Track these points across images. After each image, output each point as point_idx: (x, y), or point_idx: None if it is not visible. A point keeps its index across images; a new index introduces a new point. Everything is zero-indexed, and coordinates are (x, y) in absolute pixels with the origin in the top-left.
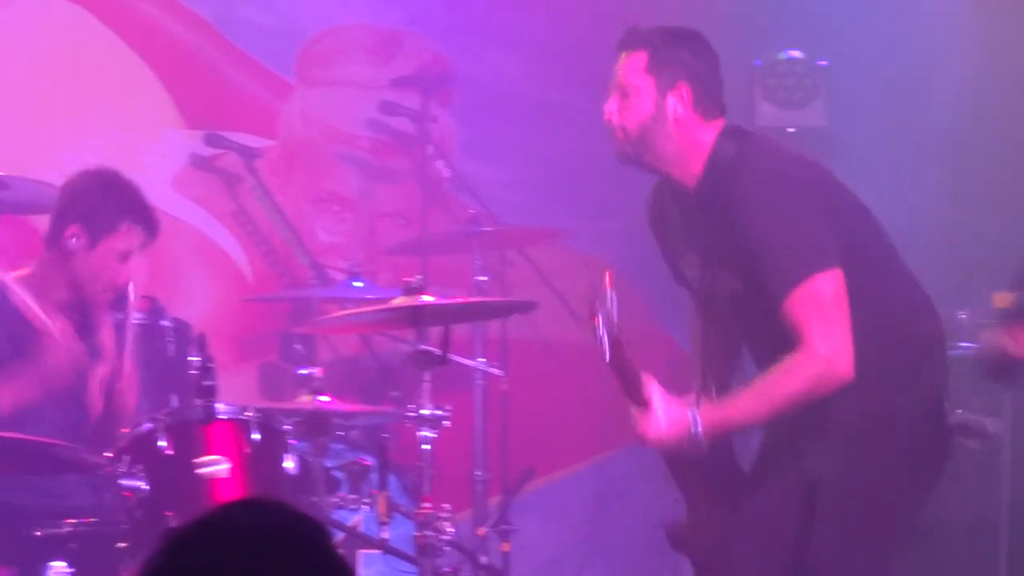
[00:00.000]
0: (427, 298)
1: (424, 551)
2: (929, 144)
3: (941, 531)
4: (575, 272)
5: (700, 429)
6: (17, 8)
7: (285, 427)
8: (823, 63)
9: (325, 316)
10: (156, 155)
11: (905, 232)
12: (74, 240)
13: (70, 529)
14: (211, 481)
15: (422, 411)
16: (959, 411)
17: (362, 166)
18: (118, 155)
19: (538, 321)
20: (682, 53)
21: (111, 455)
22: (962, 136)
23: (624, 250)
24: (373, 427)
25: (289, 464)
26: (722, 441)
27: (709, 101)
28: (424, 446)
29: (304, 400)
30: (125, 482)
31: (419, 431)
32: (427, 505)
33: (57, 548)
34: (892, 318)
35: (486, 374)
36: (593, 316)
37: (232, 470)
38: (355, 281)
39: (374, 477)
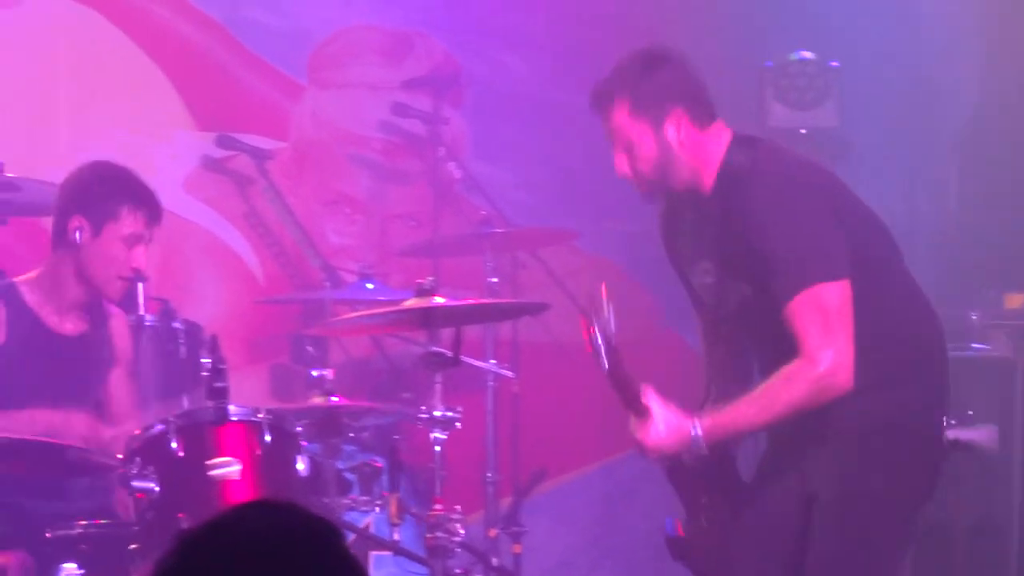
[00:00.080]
0: (439, 300)
1: (435, 553)
2: (940, 145)
3: (951, 532)
4: (587, 274)
5: (700, 436)
6: (27, 9)
7: (297, 429)
8: (835, 64)
9: (336, 318)
10: (167, 157)
11: (915, 232)
12: (78, 232)
13: (81, 531)
14: (222, 483)
15: (433, 413)
16: (953, 423)
17: (373, 168)
18: (129, 157)
19: (549, 323)
20: (656, 82)
21: (122, 457)
22: (972, 136)
23: (636, 252)
24: (384, 429)
25: (301, 466)
26: (723, 450)
27: (701, 110)
28: (435, 448)
29: (316, 402)
30: (137, 484)
31: (430, 433)
32: (438, 507)
33: (68, 549)
34: (893, 321)
35: (497, 376)
36: (588, 327)
37: (243, 472)
38: (366, 283)
39: (385, 479)
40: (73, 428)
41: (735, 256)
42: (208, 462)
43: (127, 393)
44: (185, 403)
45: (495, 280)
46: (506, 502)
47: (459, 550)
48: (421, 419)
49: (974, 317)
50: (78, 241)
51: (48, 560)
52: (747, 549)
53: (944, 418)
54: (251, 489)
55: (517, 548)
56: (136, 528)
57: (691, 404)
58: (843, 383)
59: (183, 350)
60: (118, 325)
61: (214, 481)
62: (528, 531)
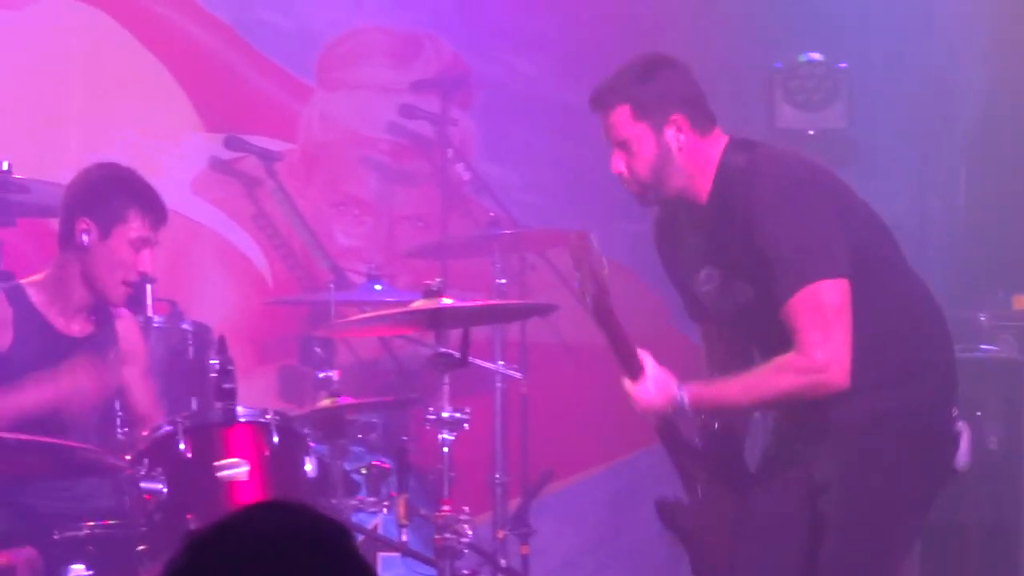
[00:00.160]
0: (447, 301)
1: (443, 554)
2: (949, 146)
3: (960, 534)
4: None
5: (685, 401)
6: (36, 11)
7: (305, 430)
8: (843, 65)
9: (345, 319)
10: (176, 158)
11: (924, 233)
12: (85, 235)
13: (89, 531)
14: (230, 484)
15: (442, 414)
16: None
17: (382, 169)
18: (137, 158)
19: (558, 324)
20: (659, 86)
21: (131, 458)
22: (982, 138)
23: (643, 252)
24: (392, 430)
25: (308, 467)
26: (730, 432)
27: (701, 117)
28: (443, 449)
29: (324, 403)
30: (145, 485)
31: (438, 434)
32: (446, 508)
33: (76, 550)
34: (898, 320)
35: (505, 377)
36: (576, 257)
37: (252, 473)
38: (375, 284)
39: (393, 480)
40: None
41: (737, 257)
42: (216, 463)
43: (146, 391)
44: (194, 404)
45: (503, 281)
46: (514, 503)
47: (467, 551)
48: (429, 420)
49: (982, 318)
50: (85, 243)
51: (56, 561)
52: (749, 539)
53: (951, 416)
54: (259, 490)
55: (525, 549)
56: (144, 529)
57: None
58: (838, 381)
59: (191, 351)
60: (126, 325)
61: (222, 482)
62: (536, 532)
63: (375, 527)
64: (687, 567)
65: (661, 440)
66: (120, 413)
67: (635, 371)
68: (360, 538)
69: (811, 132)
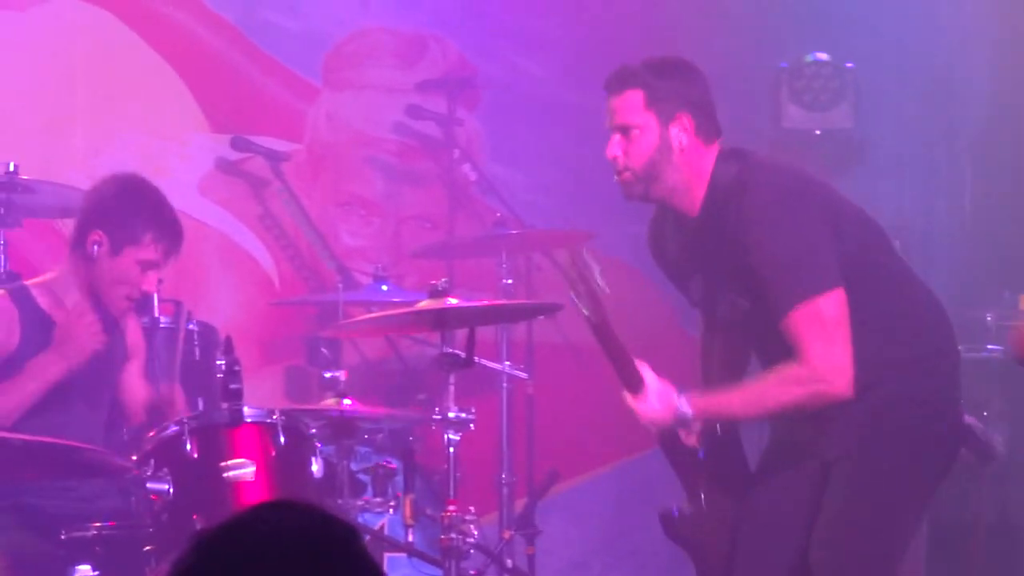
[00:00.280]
0: (453, 301)
1: (449, 554)
2: (955, 145)
3: (966, 532)
4: (602, 276)
5: (688, 413)
6: (42, 12)
7: (311, 430)
8: (850, 65)
9: (351, 319)
10: (182, 159)
11: (930, 233)
12: (96, 247)
13: (95, 532)
14: (237, 484)
15: (448, 414)
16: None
17: (388, 169)
18: (143, 159)
19: (564, 324)
20: (676, 83)
21: (137, 458)
22: (988, 137)
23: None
24: (399, 430)
25: (315, 467)
26: (728, 435)
27: (708, 126)
28: (449, 449)
29: (330, 403)
30: (151, 485)
31: (444, 434)
32: (452, 508)
33: (83, 551)
34: (901, 321)
35: (511, 377)
36: (573, 290)
37: (258, 473)
38: (381, 284)
39: (399, 480)
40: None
41: (729, 268)
42: (223, 463)
43: (139, 389)
44: (200, 404)
45: (509, 281)
46: (520, 503)
47: (473, 551)
48: (435, 420)
49: (988, 318)
50: (94, 254)
51: (63, 561)
52: (753, 538)
53: (957, 408)
54: (265, 491)
55: (531, 549)
56: (150, 530)
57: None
58: (841, 390)
59: (197, 352)
60: (131, 323)
61: (228, 482)
62: (542, 532)
63: (381, 527)
64: (692, 568)
65: (663, 450)
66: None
67: (635, 384)
68: (366, 538)
69: (817, 132)
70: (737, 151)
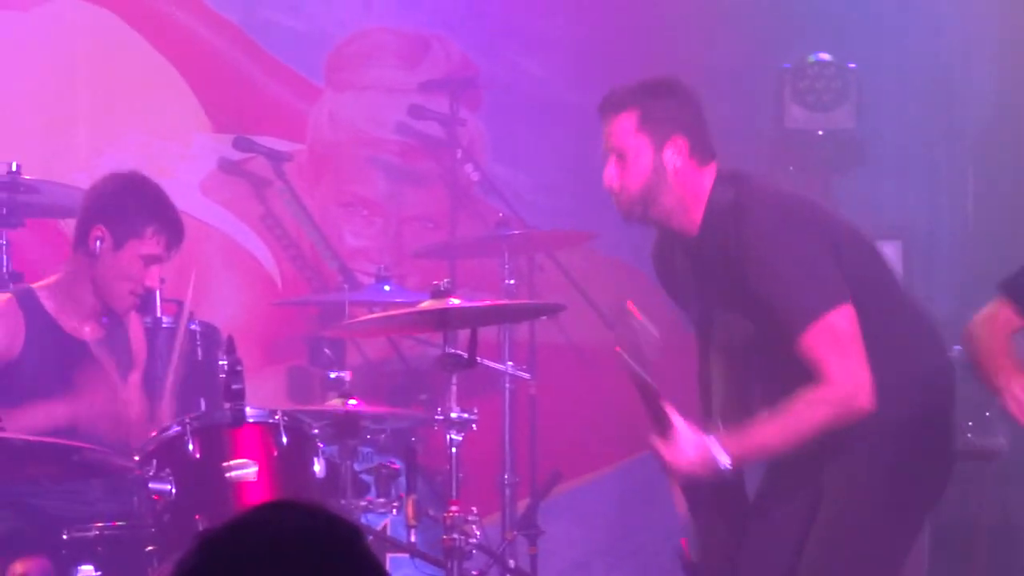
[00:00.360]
0: (455, 301)
1: (452, 554)
2: (958, 146)
3: (969, 533)
4: (604, 276)
5: (726, 456)
6: (44, 12)
7: (314, 431)
8: (852, 66)
9: (353, 320)
10: (184, 159)
11: (934, 234)
12: (99, 242)
13: (98, 532)
14: (239, 485)
15: (450, 414)
16: (969, 436)
17: (390, 170)
18: (146, 159)
19: (566, 324)
20: (669, 105)
21: (139, 458)
22: (990, 138)
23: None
24: (402, 431)
25: (317, 468)
26: (734, 472)
27: (702, 147)
28: (452, 449)
29: (333, 404)
30: (153, 486)
31: (447, 434)
32: (455, 508)
33: (85, 551)
34: (898, 339)
35: (514, 377)
36: (620, 344)
37: (260, 474)
38: (383, 284)
39: (402, 480)
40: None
41: (731, 293)
42: (225, 464)
43: (136, 403)
44: (202, 405)
45: (512, 282)
46: (523, 504)
47: (475, 552)
48: (437, 421)
49: None
50: (96, 250)
51: (65, 562)
52: (752, 562)
53: (952, 424)
54: (268, 491)
55: (533, 550)
56: (153, 530)
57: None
58: (866, 404)
59: (200, 352)
60: (135, 329)
61: (231, 483)
62: (544, 533)
63: (384, 528)
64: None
65: (685, 496)
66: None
67: (666, 430)
68: (369, 539)
69: (820, 132)
70: (734, 174)
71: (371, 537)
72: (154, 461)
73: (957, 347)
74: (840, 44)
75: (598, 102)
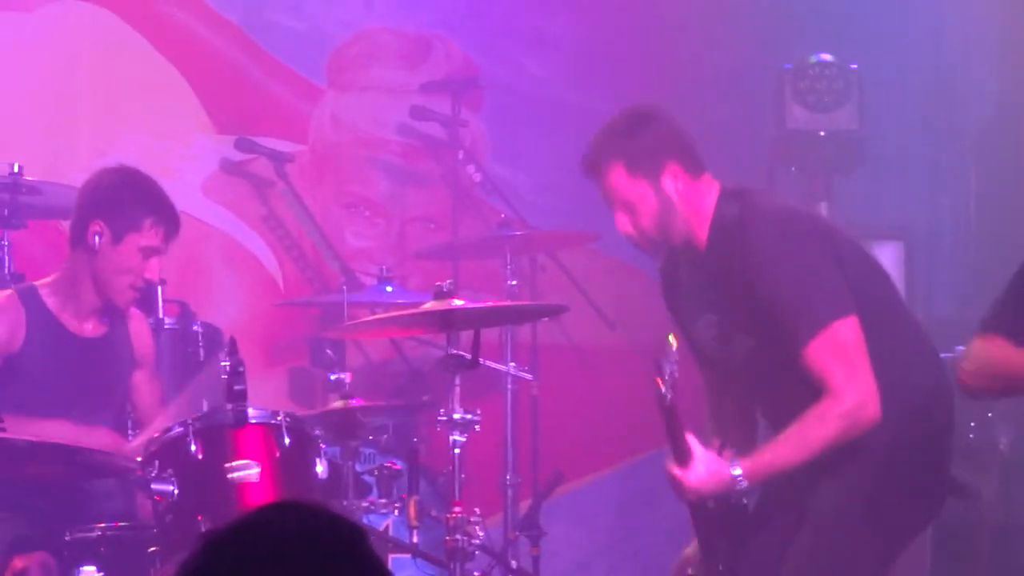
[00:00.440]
0: (457, 302)
1: (454, 555)
2: (960, 146)
3: (972, 533)
4: (606, 277)
5: (741, 477)
6: (46, 13)
7: (315, 432)
8: (854, 66)
9: (355, 320)
10: (186, 160)
11: (935, 234)
12: (97, 237)
13: (100, 533)
14: (241, 485)
15: (452, 415)
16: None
17: (392, 170)
18: (148, 160)
19: (568, 325)
20: (647, 138)
21: (142, 459)
22: (992, 138)
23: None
24: (404, 432)
25: (319, 468)
26: (737, 496)
27: (692, 161)
28: (454, 450)
29: (336, 405)
30: (156, 486)
31: (449, 435)
32: (457, 509)
33: (87, 552)
34: (897, 356)
35: (516, 378)
36: (658, 375)
37: (262, 474)
38: (385, 285)
39: (404, 481)
40: (96, 440)
41: (737, 308)
42: (227, 465)
43: (151, 394)
44: (204, 406)
45: (514, 283)
46: (525, 505)
47: (478, 552)
48: (440, 422)
49: None
50: (95, 245)
51: (68, 563)
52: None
53: (948, 455)
54: (270, 492)
55: (535, 550)
56: (155, 530)
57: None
58: (873, 415)
59: (202, 353)
60: (138, 327)
61: (233, 484)
62: (546, 533)
63: (386, 528)
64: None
65: (692, 517)
66: (131, 415)
67: (684, 458)
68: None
69: (821, 133)
70: (737, 191)
71: (373, 538)
72: (156, 462)
73: (960, 347)
74: (842, 44)
75: (600, 102)
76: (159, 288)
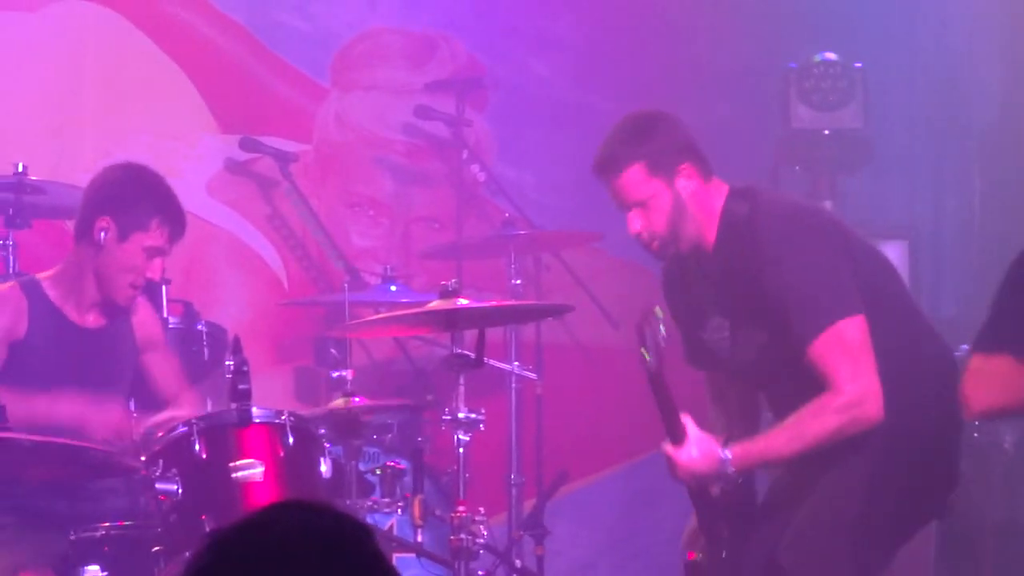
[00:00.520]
0: (462, 302)
1: (458, 554)
2: (964, 145)
3: (975, 533)
4: (610, 276)
5: (729, 461)
6: (51, 13)
7: (320, 431)
8: (858, 65)
9: (360, 320)
10: (190, 160)
11: (939, 233)
12: (103, 233)
13: (104, 533)
14: (245, 485)
15: (457, 415)
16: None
17: (397, 170)
18: (152, 159)
19: (572, 324)
20: (663, 139)
21: (146, 459)
22: (996, 137)
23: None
24: (408, 431)
25: (323, 468)
26: (747, 485)
27: (704, 163)
28: (459, 450)
29: (339, 404)
30: (160, 486)
31: (454, 435)
32: (461, 508)
33: (91, 552)
34: (907, 352)
35: (521, 378)
36: (642, 343)
37: (267, 474)
38: (390, 285)
39: (408, 481)
40: (106, 415)
41: (746, 307)
42: (231, 464)
43: (170, 369)
44: (208, 405)
45: (518, 282)
46: (529, 504)
47: (482, 552)
48: (444, 421)
49: None
50: (101, 241)
51: (71, 562)
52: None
53: (956, 450)
54: (274, 491)
55: (540, 550)
56: (159, 530)
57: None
58: (874, 414)
59: (206, 352)
60: (143, 315)
61: (237, 483)
62: (551, 533)
63: (390, 528)
64: None
65: (692, 499)
66: (135, 413)
67: (678, 436)
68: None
69: (826, 132)
70: (746, 189)
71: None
72: (160, 461)
73: (965, 346)
74: (846, 43)
75: (604, 101)
76: (163, 287)
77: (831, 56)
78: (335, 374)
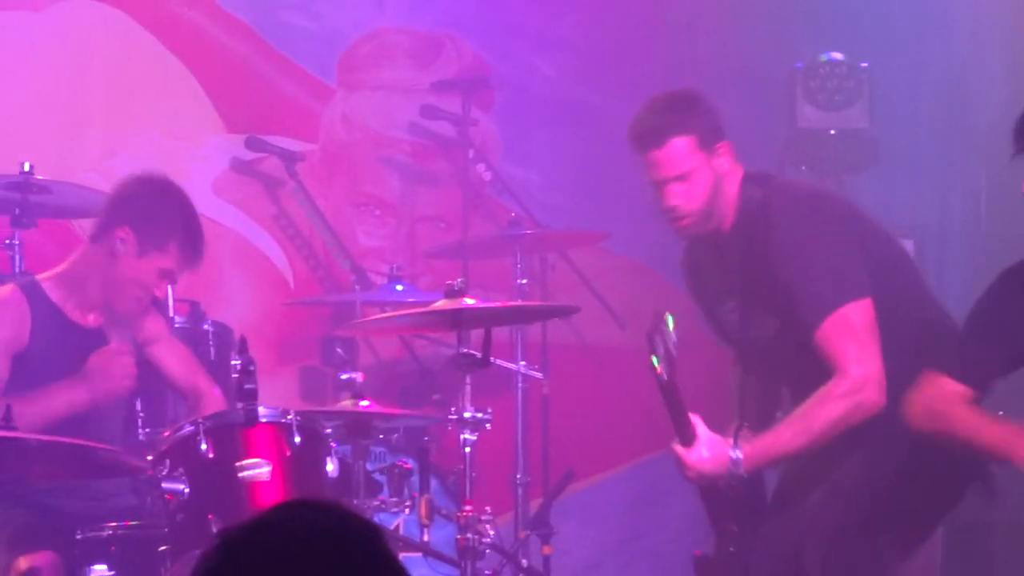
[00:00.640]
0: (468, 301)
1: (465, 554)
2: (970, 145)
3: (983, 532)
4: (616, 276)
5: (740, 460)
6: (58, 13)
7: (326, 430)
8: (864, 65)
9: (366, 319)
10: (197, 159)
11: (945, 232)
12: (121, 243)
13: (111, 532)
14: (252, 484)
15: (463, 414)
16: None
17: (403, 170)
18: (159, 159)
19: (578, 324)
20: (709, 116)
21: (152, 458)
22: (1002, 137)
23: (665, 253)
24: (415, 430)
25: (330, 467)
26: (755, 479)
27: (733, 146)
28: (465, 449)
29: (345, 403)
30: (166, 485)
31: (460, 434)
32: (468, 508)
33: (98, 551)
34: (920, 338)
35: (527, 377)
36: (652, 352)
37: (273, 473)
38: (396, 284)
39: (415, 480)
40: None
41: (759, 290)
42: (238, 463)
43: (180, 361)
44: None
45: (524, 282)
46: (536, 503)
47: (489, 551)
48: (451, 420)
49: None
50: (118, 251)
51: (78, 561)
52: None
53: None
54: (281, 491)
55: (546, 549)
56: (166, 529)
57: (722, 404)
58: (875, 399)
59: (213, 352)
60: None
61: (244, 482)
62: (557, 532)
63: (397, 527)
64: None
65: (703, 499)
66: (142, 414)
67: (688, 437)
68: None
69: (832, 131)
70: (761, 174)
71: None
72: (167, 461)
73: None
74: (852, 43)
75: (610, 101)
76: (169, 287)
77: (837, 56)
78: (345, 376)
